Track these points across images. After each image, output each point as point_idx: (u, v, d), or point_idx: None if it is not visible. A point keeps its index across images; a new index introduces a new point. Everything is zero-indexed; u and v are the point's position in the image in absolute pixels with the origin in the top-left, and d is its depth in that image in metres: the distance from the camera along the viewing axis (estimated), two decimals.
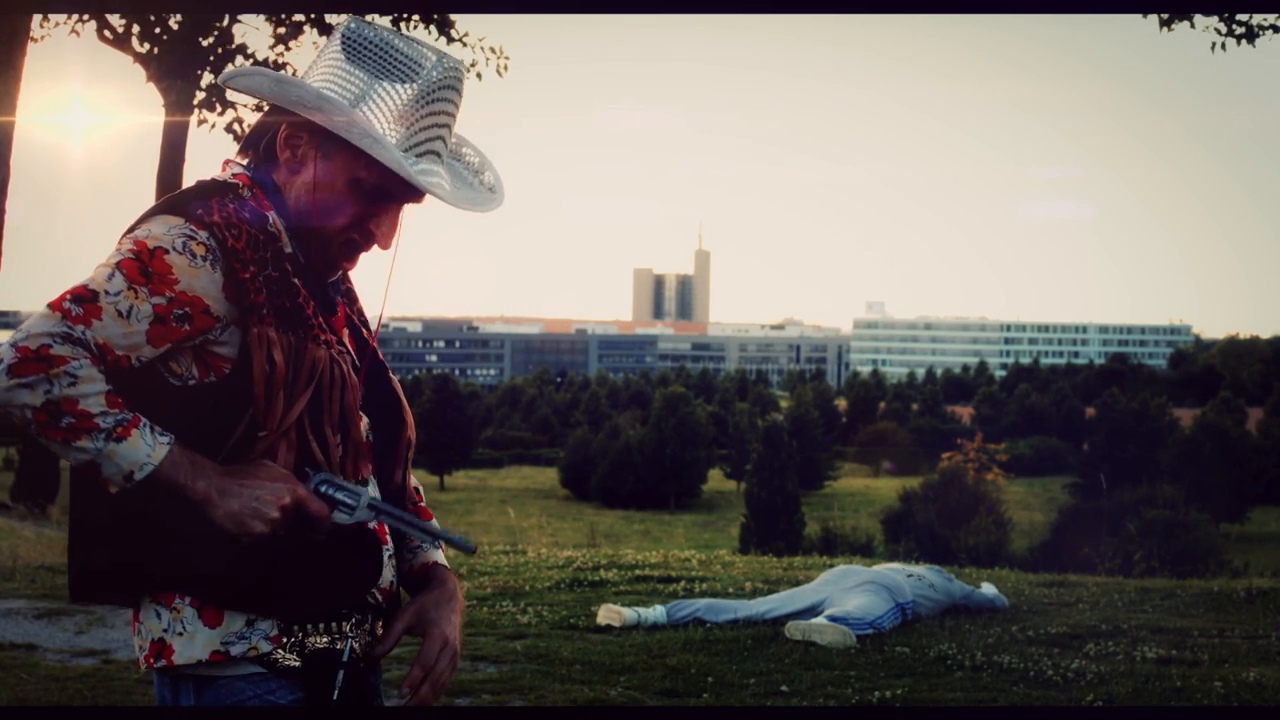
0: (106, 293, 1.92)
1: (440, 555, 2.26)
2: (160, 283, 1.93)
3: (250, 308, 1.98)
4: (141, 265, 1.94)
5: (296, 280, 2.06)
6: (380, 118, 2.04)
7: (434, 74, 2.06)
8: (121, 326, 1.92)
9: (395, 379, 2.27)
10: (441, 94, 2.07)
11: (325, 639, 2.04)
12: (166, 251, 1.95)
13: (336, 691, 2.02)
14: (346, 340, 2.18)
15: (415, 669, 2.11)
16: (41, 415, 1.87)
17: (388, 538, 2.14)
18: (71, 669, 6.23)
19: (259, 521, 1.94)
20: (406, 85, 2.05)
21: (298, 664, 2.00)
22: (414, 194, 2.11)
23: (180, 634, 1.99)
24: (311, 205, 2.08)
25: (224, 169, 2.14)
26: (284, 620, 2.00)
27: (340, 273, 2.18)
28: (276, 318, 2.01)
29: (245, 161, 2.14)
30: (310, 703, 2.01)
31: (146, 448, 1.91)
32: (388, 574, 2.13)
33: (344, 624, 2.06)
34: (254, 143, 2.15)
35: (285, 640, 2.00)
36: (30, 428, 1.88)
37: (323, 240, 2.11)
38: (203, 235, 1.97)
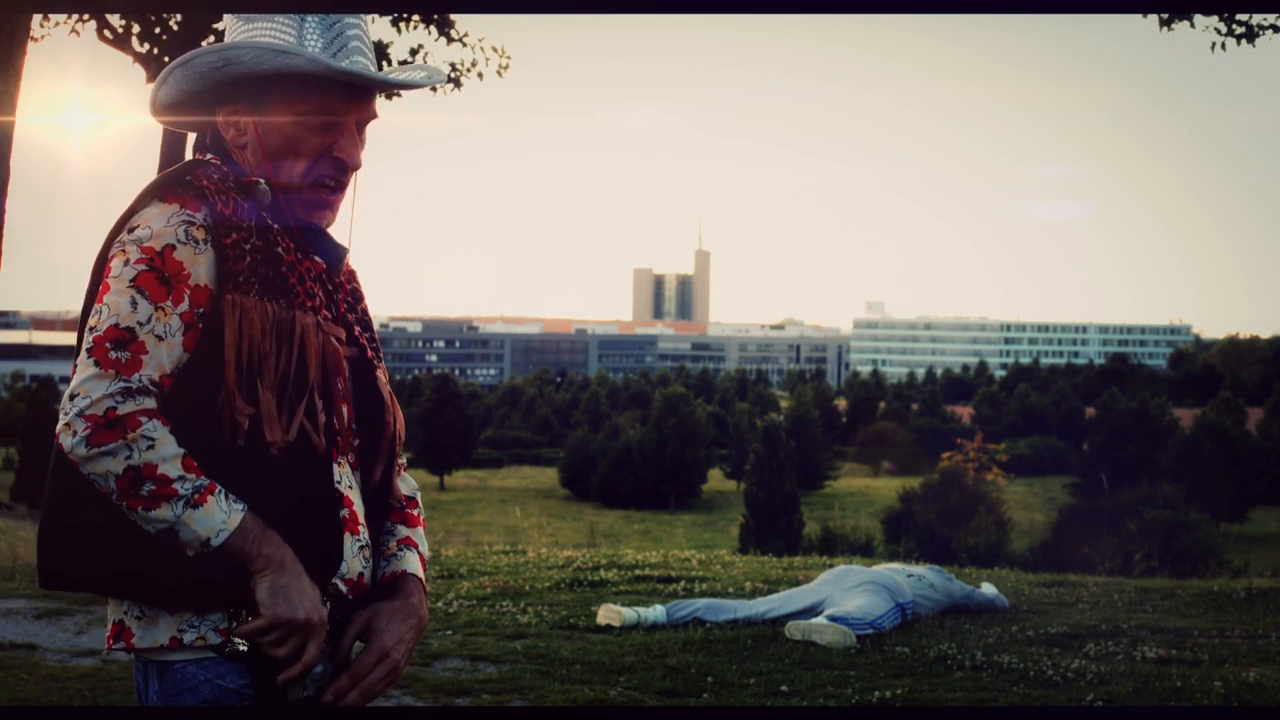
0: (140, 324, 1.94)
1: (413, 565, 2.23)
2: (179, 284, 1.96)
3: (228, 274, 1.99)
4: (158, 273, 1.95)
5: (281, 250, 2.07)
6: (285, 37, 2.07)
7: (315, 16, 2.09)
8: (165, 350, 1.95)
9: (385, 375, 2.26)
10: (338, 17, 2.10)
11: None
12: (174, 248, 1.97)
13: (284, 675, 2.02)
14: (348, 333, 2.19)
15: (344, 677, 2.09)
16: (123, 483, 1.91)
17: (359, 528, 2.13)
18: (71, 669, 6.23)
19: (291, 608, 1.97)
20: (294, 21, 2.08)
21: (245, 648, 2.00)
22: (357, 101, 2.12)
23: (139, 618, 2.02)
24: (271, 161, 2.09)
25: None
26: (234, 609, 2.01)
27: (331, 220, 2.17)
28: (260, 285, 2.01)
29: (209, 157, 2.15)
30: (258, 686, 2.01)
31: (222, 514, 1.95)
32: (356, 565, 2.11)
33: None
34: (203, 146, 2.17)
35: (234, 625, 2.00)
36: (112, 496, 1.92)
37: (298, 190, 2.11)
38: (200, 216, 2.00)
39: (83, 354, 1.93)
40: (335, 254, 2.20)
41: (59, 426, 1.93)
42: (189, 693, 2.00)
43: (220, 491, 1.95)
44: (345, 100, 2.11)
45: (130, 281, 1.94)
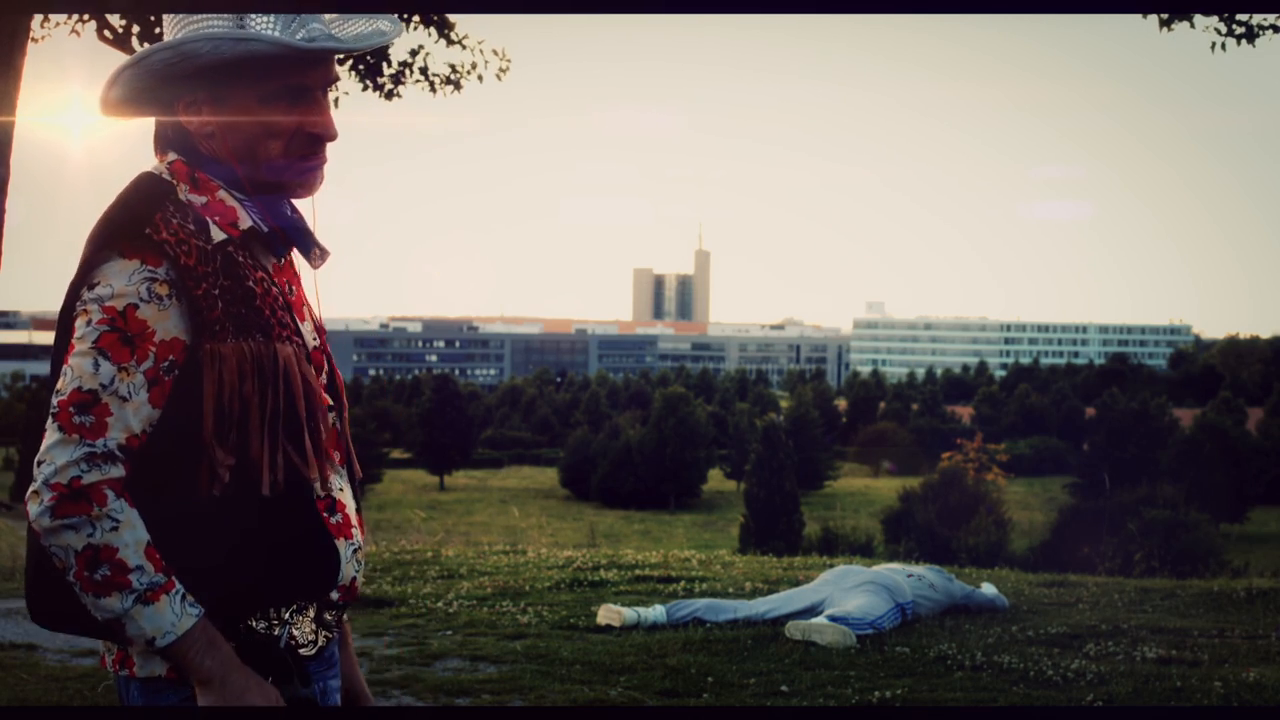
0: (103, 386, 1.90)
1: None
2: (143, 342, 1.92)
3: (203, 325, 1.96)
4: (120, 334, 1.92)
5: (254, 278, 2.03)
6: (235, 23, 2.02)
7: None
8: (130, 410, 1.91)
9: (332, 356, 2.25)
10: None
11: (263, 624, 2.02)
12: (137, 306, 1.92)
13: (271, 680, 2.01)
14: (310, 322, 2.17)
15: None
16: (81, 560, 1.88)
17: (353, 531, 2.12)
18: (71, 669, 6.23)
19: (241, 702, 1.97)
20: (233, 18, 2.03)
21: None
22: (321, 68, 2.08)
23: (141, 649, 2.01)
24: (245, 146, 2.06)
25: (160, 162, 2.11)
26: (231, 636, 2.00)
27: (320, 185, 2.14)
28: (235, 326, 1.98)
29: (172, 157, 2.09)
30: None
31: (173, 617, 1.92)
32: (349, 571, 2.10)
33: (282, 610, 2.04)
34: (166, 140, 2.11)
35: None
36: (69, 572, 1.89)
37: (277, 171, 2.08)
38: (161, 271, 1.94)
39: (49, 419, 1.91)
40: (320, 256, 2.17)
41: (28, 493, 1.90)
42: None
43: (177, 592, 1.92)
44: (308, 70, 2.07)
45: (93, 343, 1.91)
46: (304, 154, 2.09)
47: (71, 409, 1.89)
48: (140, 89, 2.05)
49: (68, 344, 1.96)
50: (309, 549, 2.04)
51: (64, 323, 2.00)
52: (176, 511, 1.95)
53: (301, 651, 2.06)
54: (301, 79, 2.06)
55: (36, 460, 1.91)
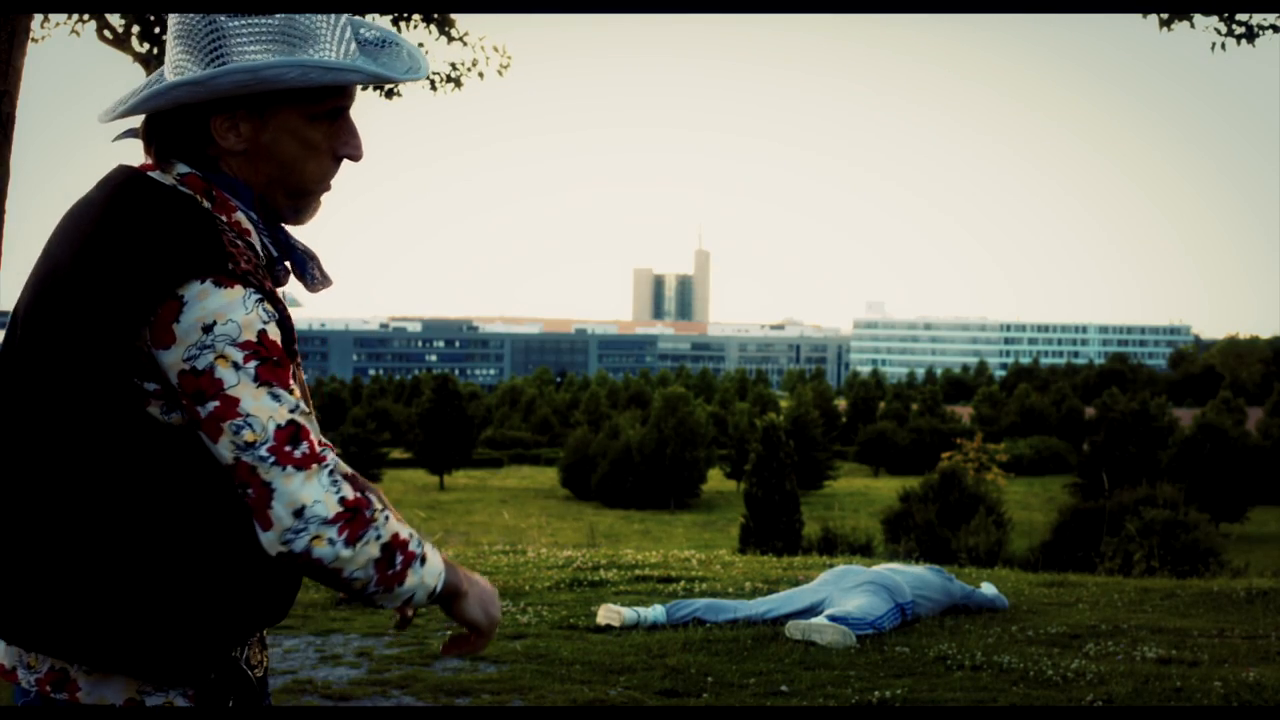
0: (291, 412, 1.86)
1: None
2: (282, 359, 1.88)
3: (289, 349, 1.94)
4: (269, 362, 1.86)
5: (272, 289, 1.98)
6: (297, 44, 1.94)
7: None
8: (311, 421, 1.90)
9: None
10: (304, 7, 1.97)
11: (237, 649, 2.00)
12: (265, 330, 1.87)
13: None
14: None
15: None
16: (382, 565, 1.90)
17: None
18: None
19: (494, 613, 2.10)
20: (267, 18, 1.94)
21: (187, 704, 1.95)
22: (350, 91, 2.02)
23: (89, 673, 1.91)
24: (279, 168, 1.99)
25: (154, 170, 1.99)
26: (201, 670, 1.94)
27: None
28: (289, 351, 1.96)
29: (183, 170, 1.98)
30: (203, 703, 1.96)
31: (435, 555, 1.97)
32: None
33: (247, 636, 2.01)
34: (173, 149, 1.99)
35: (200, 685, 1.94)
36: (369, 584, 1.90)
37: (308, 195, 2.04)
38: (260, 293, 1.88)
39: (262, 469, 1.83)
40: (323, 282, 2.14)
41: (303, 546, 1.84)
42: None
43: (415, 531, 1.96)
44: (347, 91, 2.01)
45: (255, 381, 1.85)
46: (329, 177, 2.04)
47: (287, 448, 1.83)
48: (186, 104, 1.95)
49: (217, 397, 1.84)
50: (282, 572, 1.99)
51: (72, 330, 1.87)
52: (220, 533, 1.92)
53: (255, 674, 2.04)
54: (341, 100, 2.01)
55: (290, 513, 1.83)
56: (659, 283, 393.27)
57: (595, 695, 5.81)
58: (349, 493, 1.87)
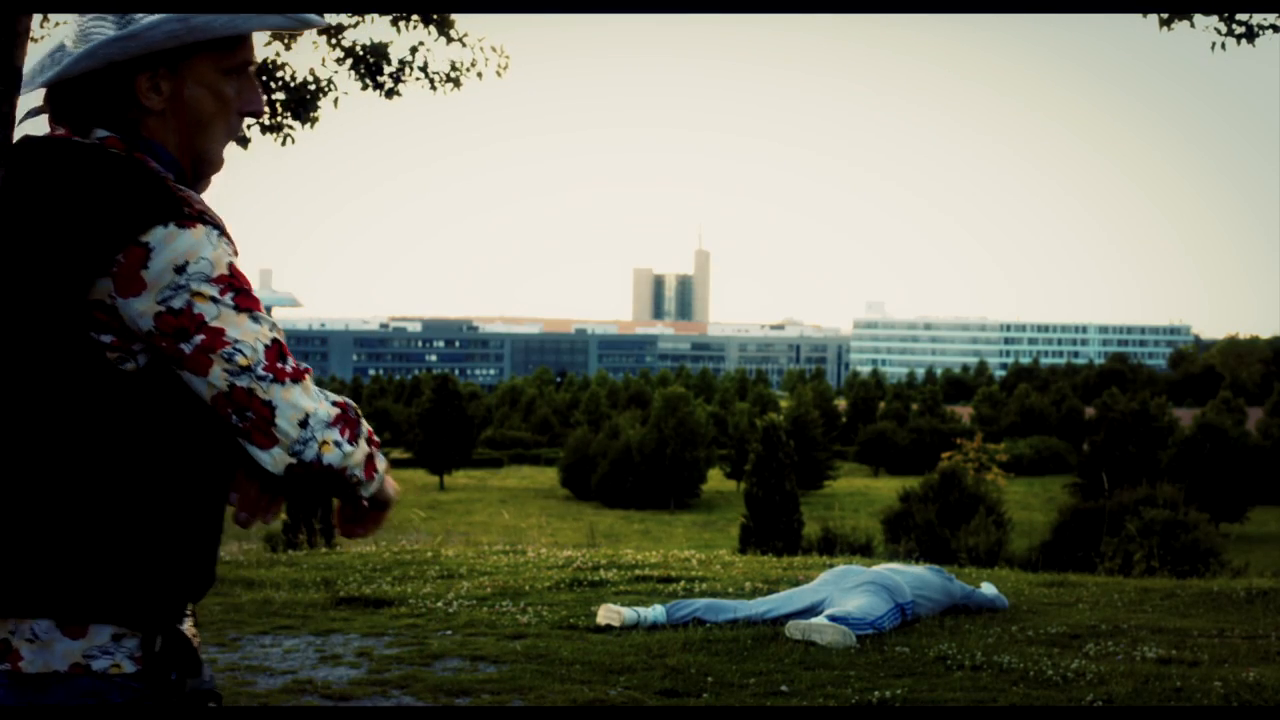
0: (271, 330, 1.93)
1: None
2: (248, 285, 1.95)
3: None
4: (243, 291, 1.91)
5: None
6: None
7: None
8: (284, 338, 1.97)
9: None
10: None
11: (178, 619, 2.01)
12: (234, 261, 1.93)
13: (176, 678, 1.99)
14: None
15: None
16: (369, 459, 1.99)
17: None
18: None
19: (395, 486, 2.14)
20: None
21: (135, 670, 1.94)
22: (253, 51, 2.05)
23: (30, 640, 1.90)
24: (197, 125, 2.00)
25: (71, 137, 1.97)
26: (150, 631, 1.94)
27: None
28: None
29: (102, 134, 1.97)
30: (148, 681, 1.95)
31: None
32: None
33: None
34: (92, 114, 1.98)
35: (148, 649, 1.94)
36: (358, 476, 1.98)
37: (213, 157, 2.06)
38: (216, 231, 1.93)
39: (260, 389, 1.88)
40: None
41: (314, 451, 1.91)
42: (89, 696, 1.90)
43: None
44: (250, 45, 2.04)
45: (235, 309, 1.89)
46: (234, 136, 2.08)
47: (279, 364, 1.91)
48: (115, 62, 1.95)
49: (198, 331, 1.87)
50: (217, 538, 2.03)
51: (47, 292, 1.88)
52: (181, 487, 1.95)
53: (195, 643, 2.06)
54: (248, 55, 2.04)
55: (297, 423, 1.90)
56: (659, 283, 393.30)
57: (595, 695, 5.81)
58: (335, 398, 1.97)
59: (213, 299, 1.87)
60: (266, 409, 1.89)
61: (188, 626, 2.04)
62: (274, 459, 1.90)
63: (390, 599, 8.09)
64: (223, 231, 1.93)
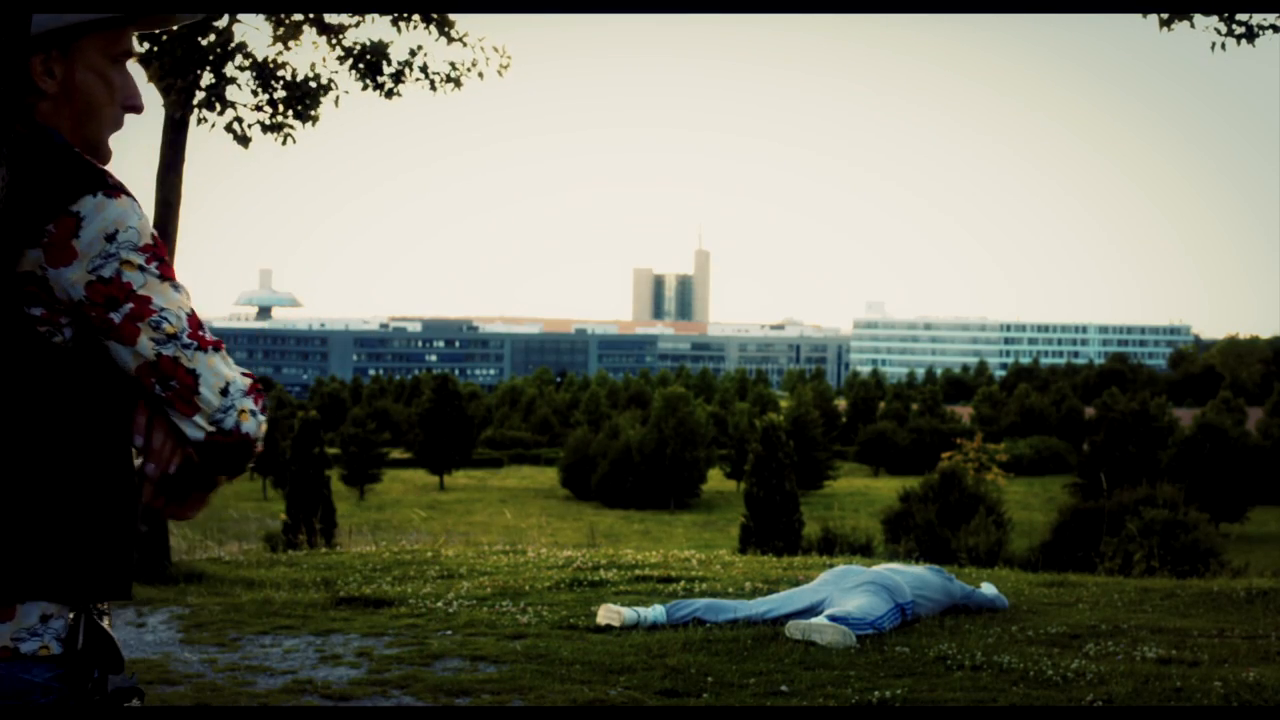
0: (187, 299, 1.97)
1: None
2: (166, 255, 1.98)
3: None
4: (163, 261, 1.95)
5: None
6: None
7: None
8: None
9: None
10: None
11: (97, 611, 1.99)
12: (153, 231, 1.96)
13: (97, 672, 1.97)
14: None
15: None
16: (265, 424, 2.01)
17: None
18: None
19: None
20: None
21: (57, 653, 1.93)
22: (132, 43, 2.06)
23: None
24: (87, 112, 2.00)
25: None
26: (78, 609, 1.93)
27: None
28: None
29: None
30: (71, 682, 1.93)
31: None
32: None
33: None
34: None
35: (74, 631, 1.93)
36: (261, 445, 2.00)
37: (98, 147, 2.05)
38: (135, 201, 1.96)
39: (185, 357, 1.92)
40: None
41: (234, 420, 1.95)
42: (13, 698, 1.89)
43: None
44: (129, 35, 2.03)
45: (159, 279, 1.93)
46: (117, 129, 2.08)
47: (200, 332, 1.95)
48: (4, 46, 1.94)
49: (126, 299, 1.89)
50: (135, 513, 2.01)
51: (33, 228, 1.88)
52: (104, 460, 1.94)
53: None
54: (128, 45, 2.04)
55: (218, 390, 1.94)
56: (659, 283, 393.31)
57: (595, 695, 5.81)
58: (238, 366, 2.01)
59: (140, 267, 1.91)
60: (190, 377, 1.92)
61: (106, 624, 2.02)
62: (194, 428, 1.94)
63: (390, 599, 8.09)
64: (137, 202, 1.97)
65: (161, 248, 1.95)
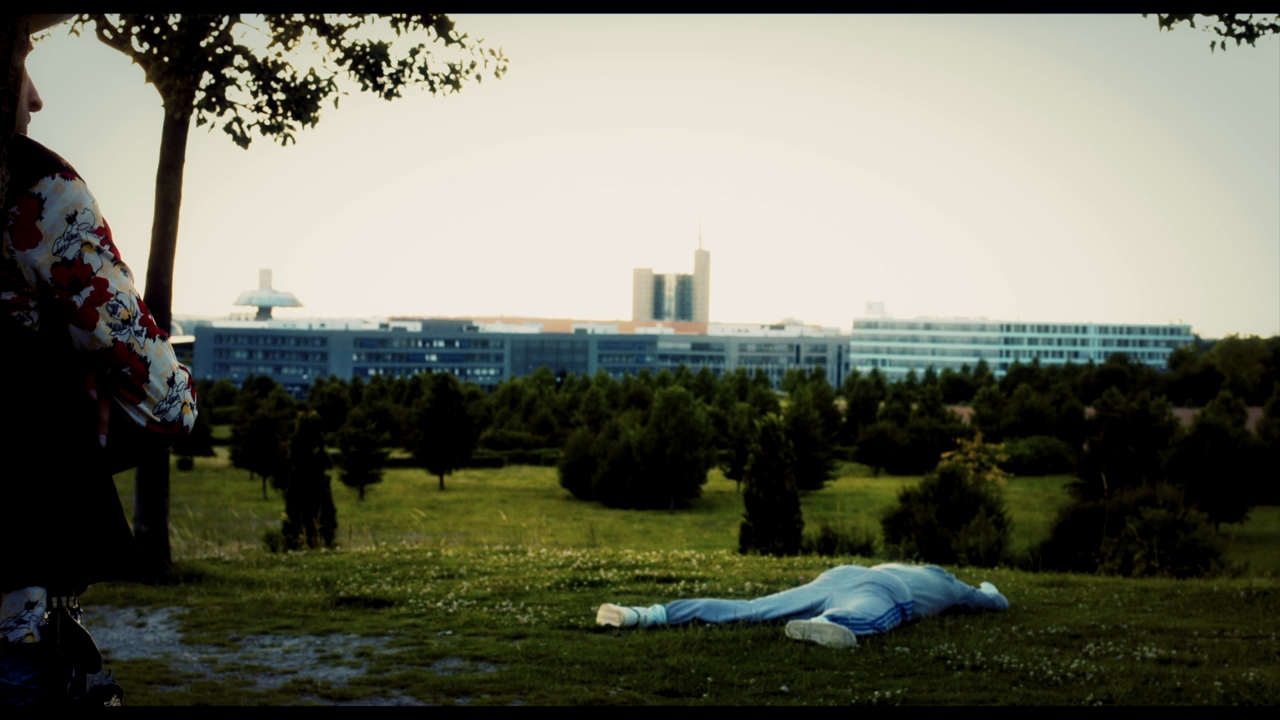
0: (132, 278, 1.98)
1: None
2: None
3: None
4: (112, 245, 1.97)
5: None
6: None
7: None
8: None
9: None
10: None
11: (74, 608, 1.97)
12: (102, 215, 1.97)
13: (75, 672, 1.95)
14: None
15: None
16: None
17: None
18: None
19: None
20: None
21: (38, 640, 1.92)
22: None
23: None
24: (25, 104, 1.99)
25: None
26: (61, 594, 1.93)
27: None
28: None
29: None
30: (49, 683, 1.92)
31: None
32: None
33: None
34: None
35: (52, 621, 1.92)
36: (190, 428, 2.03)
37: (24, 131, 2.02)
38: (85, 184, 1.97)
39: (138, 344, 1.94)
40: None
41: (178, 411, 1.98)
42: None
43: None
44: (26, 45, 2.00)
45: (113, 262, 1.95)
46: (24, 125, 2.03)
47: (150, 317, 1.97)
48: None
49: (88, 280, 1.91)
50: (114, 493, 2.00)
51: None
52: (76, 441, 1.93)
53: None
54: (28, 47, 2.01)
55: (166, 380, 1.97)
56: (659, 283, 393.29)
57: (595, 695, 5.81)
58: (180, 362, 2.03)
59: (97, 249, 1.93)
60: (142, 364, 1.95)
61: (80, 622, 2.01)
62: (139, 413, 1.95)
63: (390, 599, 8.09)
64: (87, 185, 1.99)
65: (110, 231, 1.97)
